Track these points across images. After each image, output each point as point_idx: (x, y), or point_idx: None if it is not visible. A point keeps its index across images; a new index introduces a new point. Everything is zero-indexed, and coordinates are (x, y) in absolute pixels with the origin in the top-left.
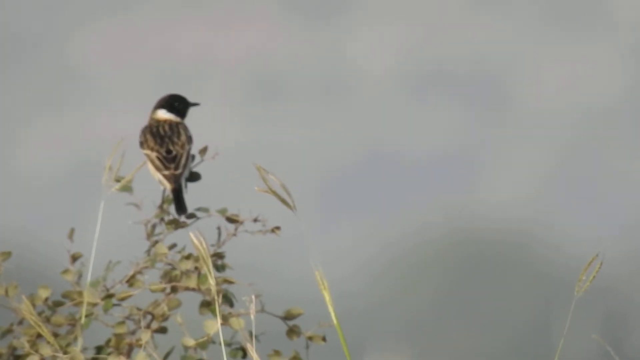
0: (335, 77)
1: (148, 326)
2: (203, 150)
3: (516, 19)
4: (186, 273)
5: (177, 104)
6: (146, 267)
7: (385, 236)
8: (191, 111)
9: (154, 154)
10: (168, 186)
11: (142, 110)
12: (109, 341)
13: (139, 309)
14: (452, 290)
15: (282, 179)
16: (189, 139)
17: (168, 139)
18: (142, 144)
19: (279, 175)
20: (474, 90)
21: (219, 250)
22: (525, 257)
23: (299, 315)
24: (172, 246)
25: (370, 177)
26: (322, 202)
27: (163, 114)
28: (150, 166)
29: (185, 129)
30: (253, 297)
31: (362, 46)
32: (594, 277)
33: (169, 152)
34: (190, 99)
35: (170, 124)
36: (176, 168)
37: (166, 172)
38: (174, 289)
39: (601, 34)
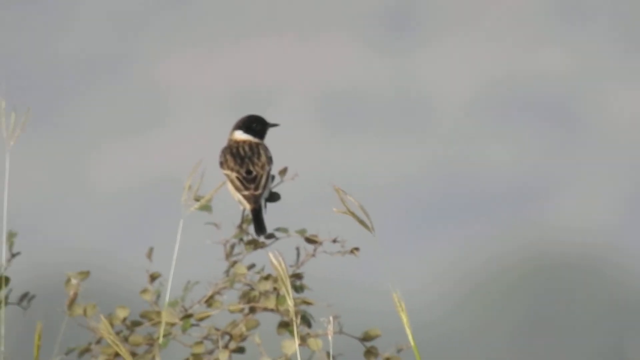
0: (411, 103)
1: (226, 346)
2: (283, 171)
3: (592, 41)
4: (265, 294)
5: (255, 125)
6: (225, 288)
7: (462, 266)
8: (272, 132)
9: (234, 174)
10: (248, 206)
11: (222, 131)
12: None
13: (217, 329)
14: (531, 317)
15: (362, 203)
16: (269, 160)
17: (248, 159)
18: (222, 164)
19: (357, 198)
20: (550, 115)
21: (298, 271)
22: (604, 282)
23: (376, 336)
24: (251, 266)
25: (449, 205)
26: (402, 231)
27: (239, 135)
28: (230, 186)
29: (266, 149)
30: (331, 318)
31: (436, 72)
32: None
33: (249, 172)
34: (270, 120)
35: (250, 144)
36: (256, 189)
37: (246, 193)
38: (252, 310)
39: None
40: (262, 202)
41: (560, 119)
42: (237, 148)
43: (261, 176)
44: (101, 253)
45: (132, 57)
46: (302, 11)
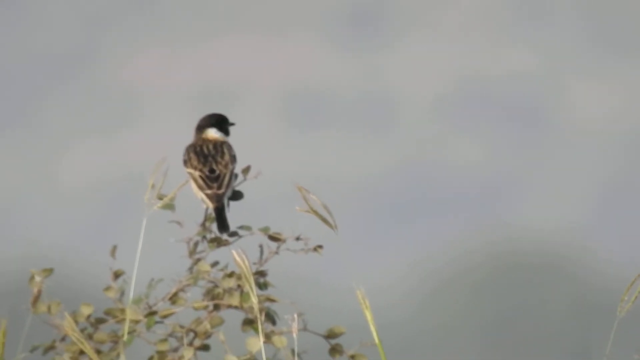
0: (376, 101)
1: (190, 344)
2: (246, 170)
3: (559, 40)
4: (229, 291)
5: (224, 124)
6: (189, 285)
7: (428, 265)
8: (236, 130)
9: (197, 173)
10: (210, 205)
11: (187, 129)
12: (151, 358)
13: (181, 327)
14: (496, 316)
15: (325, 201)
16: (233, 158)
17: (212, 158)
18: (186, 163)
19: (321, 197)
20: (516, 114)
21: (261, 269)
22: (569, 281)
23: (341, 334)
24: (215, 264)
25: (414, 203)
26: (367, 229)
27: (213, 133)
28: (193, 185)
29: (230, 148)
30: (295, 315)
31: (401, 71)
32: (636, 297)
33: (212, 171)
34: (233, 119)
35: (215, 143)
36: (219, 187)
37: (209, 192)
38: (216, 307)
39: None
40: (225, 200)
41: (527, 117)
42: (202, 146)
43: (224, 175)
44: (65, 250)
45: (98, 56)
46: (267, 9)
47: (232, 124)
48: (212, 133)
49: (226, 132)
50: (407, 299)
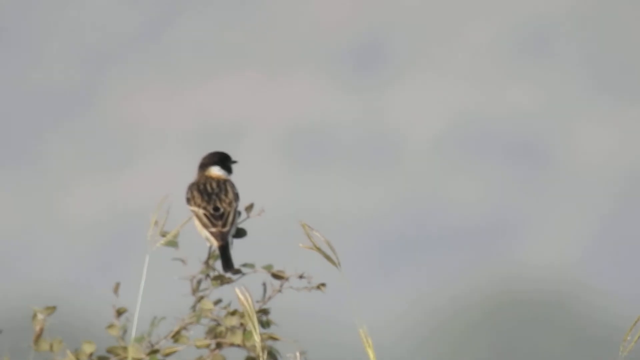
0: (378, 139)
1: None
2: (249, 207)
3: (560, 80)
4: (231, 329)
5: (227, 162)
6: (191, 323)
7: (428, 302)
8: (239, 168)
9: (201, 211)
10: (215, 243)
11: (189, 167)
12: None
13: None
14: (496, 354)
15: (328, 238)
16: (236, 197)
17: (215, 196)
18: (189, 201)
19: (324, 234)
20: (516, 152)
21: (265, 307)
22: (569, 318)
23: None
24: (218, 302)
25: (415, 241)
26: (368, 267)
27: (216, 171)
28: (197, 223)
29: (233, 186)
30: (298, 353)
31: (403, 109)
32: (639, 337)
33: (216, 209)
34: (234, 157)
35: (218, 181)
36: (224, 225)
37: (214, 230)
38: (219, 345)
39: None
40: (230, 238)
41: (526, 156)
42: (205, 184)
43: (228, 213)
44: (68, 288)
45: (100, 95)
46: (269, 49)
47: (235, 162)
48: (215, 171)
49: (229, 170)
50: (409, 335)
